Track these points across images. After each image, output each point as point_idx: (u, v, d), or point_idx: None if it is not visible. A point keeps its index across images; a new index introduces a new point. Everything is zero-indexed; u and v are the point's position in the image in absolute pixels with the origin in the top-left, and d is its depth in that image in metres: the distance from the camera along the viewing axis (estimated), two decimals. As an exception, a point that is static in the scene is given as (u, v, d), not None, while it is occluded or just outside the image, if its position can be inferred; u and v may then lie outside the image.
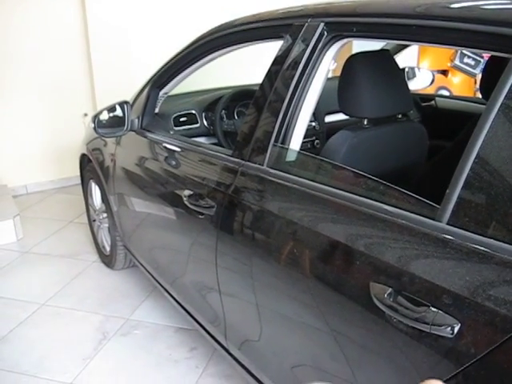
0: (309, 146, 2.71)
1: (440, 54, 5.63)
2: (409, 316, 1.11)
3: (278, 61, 1.72)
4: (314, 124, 2.77)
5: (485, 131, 1.09)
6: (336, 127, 1.96)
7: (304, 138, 1.69)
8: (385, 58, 1.84)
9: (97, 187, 3.21)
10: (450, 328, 1.04)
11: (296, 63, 1.64)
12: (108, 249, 3.26)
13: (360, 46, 3.34)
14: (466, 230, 1.08)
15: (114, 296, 3.04)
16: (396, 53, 2.76)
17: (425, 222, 1.15)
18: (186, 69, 2.32)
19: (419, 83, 3.18)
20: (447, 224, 1.11)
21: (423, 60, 5.57)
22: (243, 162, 1.72)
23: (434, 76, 3.28)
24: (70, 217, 4.21)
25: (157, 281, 2.60)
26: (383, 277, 1.19)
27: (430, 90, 4.26)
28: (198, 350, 2.52)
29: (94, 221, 3.39)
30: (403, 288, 1.14)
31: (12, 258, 3.57)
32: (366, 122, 1.72)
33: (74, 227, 4.04)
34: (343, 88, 1.70)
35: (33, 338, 2.67)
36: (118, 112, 2.50)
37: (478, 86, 5.13)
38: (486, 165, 1.09)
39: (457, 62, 5.47)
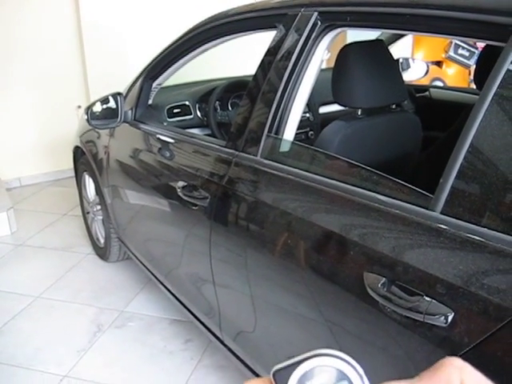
0: (303, 137, 2.71)
1: (434, 45, 5.62)
2: (402, 305, 1.12)
3: (272, 51, 1.72)
4: (308, 115, 2.76)
5: (478, 121, 1.08)
6: (330, 118, 1.96)
7: (298, 129, 1.69)
8: (379, 48, 1.84)
9: (90, 179, 3.20)
10: (443, 317, 1.04)
11: (289, 53, 1.64)
12: (102, 241, 3.25)
13: (354, 36, 3.33)
14: (460, 220, 1.08)
15: (109, 288, 3.04)
16: (390, 43, 2.75)
17: (418, 211, 1.15)
18: (179, 60, 2.30)
19: (413, 74, 3.17)
20: (441, 213, 1.11)
21: (417, 51, 5.56)
22: (237, 152, 1.72)
23: (428, 67, 3.27)
24: (64, 209, 4.20)
25: (151, 273, 2.60)
26: (377, 267, 1.19)
27: (425, 82, 4.26)
28: (192, 342, 2.53)
29: (88, 213, 3.38)
30: (397, 278, 1.14)
31: (6, 251, 3.55)
32: (359, 113, 1.72)
33: (67, 220, 4.03)
34: (337, 78, 1.69)
35: (27, 330, 2.67)
36: (111, 104, 2.48)
37: (472, 77, 5.13)
38: (479, 154, 1.09)
39: (451, 53, 5.46)
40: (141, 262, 2.71)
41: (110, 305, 2.87)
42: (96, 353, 2.49)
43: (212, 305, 1.99)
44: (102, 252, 3.31)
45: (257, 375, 1.82)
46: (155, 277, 2.56)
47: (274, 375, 0.28)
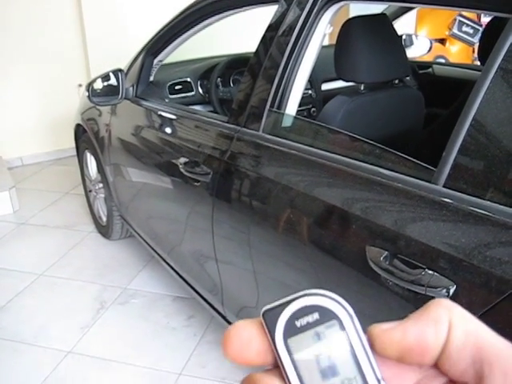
0: (305, 114, 2.69)
1: (438, 23, 5.56)
2: (404, 278, 1.12)
3: (273, 26, 1.70)
4: (310, 92, 2.74)
5: (482, 94, 1.07)
6: (333, 95, 1.95)
7: (300, 105, 1.68)
8: (382, 23, 1.82)
9: (92, 157, 3.19)
10: (445, 290, 1.05)
11: (291, 28, 1.62)
12: (104, 219, 3.26)
13: (357, 10, 3.29)
14: (462, 193, 1.08)
15: (111, 266, 3.05)
16: (393, 19, 2.72)
17: (421, 184, 1.15)
18: (180, 35, 2.28)
19: (416, 51, 3.14)
20: (443, 187, 1.11)
21: (421, 29, 5.50)
22: (239, 128, 1.71)
23: (431, 43, 3.24)
24: (66, 188, 4.20)
25: (154, 250, 2.61)
26: (379, 240, 1.19)
27: (428, 59, 4.22)
28: (195, 318, 2.54)
29: (90, 191, 3.38)
30: (399, 251, 1.14)
31: (9, 230, 3.56)
32: (362, 88, 1.71)
33: (70, 198, 4.03)
34: (340, 52, 1.68)
35: (31, 307, 2.69)
36: (112, 80, 2.47)
37: (476, 54, 5.08)
38: (482, 127, 1.08)
39: (455, 30, 5.40)
40: (143, 240, 2.72)
41: (112, 282, 2.88)
42: (99, 329, 2.51)
43: (214, 281, 1.99)
44: (104, 230, 3.32)
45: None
46: (158, 254, 2.57)
47: (263, 316, 0.28)
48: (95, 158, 3.10)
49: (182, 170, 1.95)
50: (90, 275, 2.96)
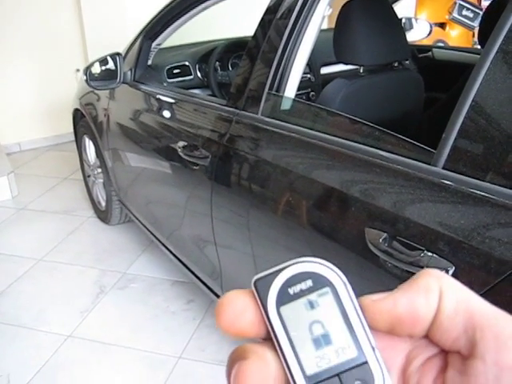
0: (304, 97, 2.67)
1: (438, 7, 5.52)
2: (403, 260, 1.12)
3: (272, 9, 1.68)
4: (309, 76, 2.73)
5: (481, 75, 1.07)
6: (332, 79, 1.93)
7: (299, 90, 1.67)
8: (382, 5, 1.80)
9: (91, 142, 3.18)
10: (444, 271, 1.05)
11: (290, 10, 1.60)
12: (103, 204, 3.26)
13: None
14: (462, 174, 1.07)
15: (111, 251, 3.06)
16: (393, 2, 2.70)
17: (421, 166, 1.15)
18: (178, 19, 2.26)
19: (416, 34, 3.12)
20: (443, 168, 1.11)
21: (420, 12, 5.46)
22: (237, 111, 1.70)
23: (431, 27, 3.22)
24: (65, 173, 4.19)
25: (153, 235, 2.61)
26: (378, 222, 1.19)
27: (428, 43, 4.19)
28: (195, 302, 2.55)
29: (89, 176, 3.38)
30: (398, 233, 1.14)
31: (7, 215, 3.56)
32: (361, 70, 1.70)
33: (68, 184, 4.03)
34: (339, 35, 1.66)
35: (31, 292, 2.69)
36: (110, 64, 2.45)
37: (476, 39, 5.05)
38: (482, 109, 1.08)
39: (455, 14, 5.35)
40: (142, 225, 2.72)
41: (112, 267, 2.89)
42: (99, 313, 2.52)
43: (214, 265, 2.00)
44: (103, 215, 3.31)
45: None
46: (157, 239, 2.57)
47: (255, 284, 0.27)
48: (94, 143, 3.09)
49: (180, 154, 1.94)
50: (90, 260, 2.96)
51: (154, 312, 2.50)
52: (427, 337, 0.27)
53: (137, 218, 2.79)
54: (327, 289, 0.27)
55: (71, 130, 3.50)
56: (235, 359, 0.26)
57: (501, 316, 0.26)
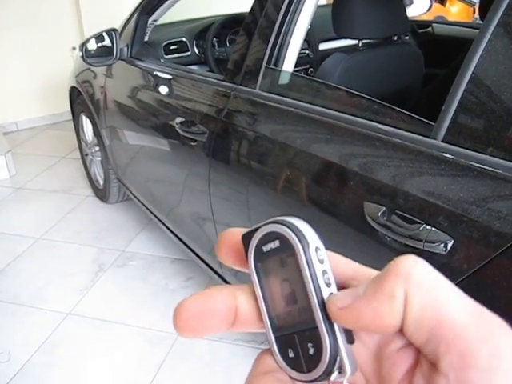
0: (303, 73, 2.65)
1: (438, -18, 5.45)
2: (402, 234, 1.11)
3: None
4: (307, 52, 2.69)
5: (482, 47, 1.05)
6: (330, 55, 1.91)
7: (298, 65, 1.65)
8: (381, -22, 1.78)
9: (88, 120, 3.16)
10: (443, 245, 1.04)
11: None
12: (101, 182, 3.24)
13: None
14: (462, 147, 1.06)
15: (109, 229, 3.05)
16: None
17: (420, 139, 1.14)
18: (175, -7, 2.23)
19: (416, 9, 3.09)
20: (442, 141, 1.10)
21: (420, -12, 5.40)
22: (235, 86, 1.68)
23: (431, 2, 3.18)
24: (62, 152, 4.17)
25: (151, 213, 2.60)
26: (377, 196, 1.18)
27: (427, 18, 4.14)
28: (193, 280, 2.56)
29: (87, 155, 3.36)
30: (397, 207, 1.13)
31: (5, 195, 3.55)
32: (360, 44, 1.68)
33: (66, 162, 4.01)
34: (337, 8, 1.64)
35: (30, 270, 2.70)
36: (107, 41, 2.42)
37: (476, 15, 4.99)
38: (482, 81, 1.06)
39: (455, -11, 5.29)
40: (141, 203, 2.71)
41: (110, 245, 2.89)
42: (98, 291, 2.52)
43: (212, 243, 2.00)
44: (101, 193, 3.31)
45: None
46: (156, 216, 2.56)
47: (242, 239, 0.29)
48: (91, 121, 3.07)
49: (178, 130, 1.93)
50: (88, 238, 2.96)
51: (153, 289, 2.51)
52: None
53: (135, 196, 2.78)
54: (292, 251, 0.27)
55: (68, 108, 3.48)
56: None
57: (472, 325, 0.23)
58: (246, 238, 0.29)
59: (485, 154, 1.02)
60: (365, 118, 1.26)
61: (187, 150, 1.97)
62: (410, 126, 1.18)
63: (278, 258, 0.28)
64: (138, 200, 2.74)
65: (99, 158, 3.14)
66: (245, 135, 1.62)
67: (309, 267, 0.27)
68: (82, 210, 3.30)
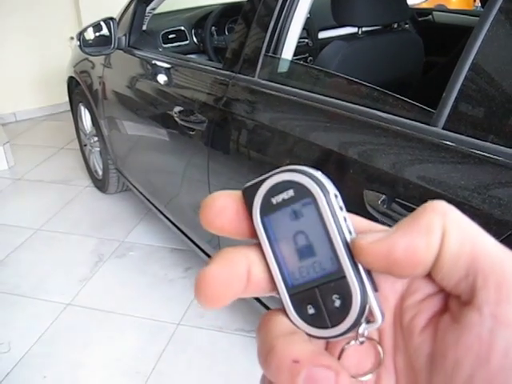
0: (302, 62, 2.63)
1: (438, -30, 5.41)
2: (402, 222, 1.10)
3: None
4: (307, 40, 2.68)
5: (483, 34, 1.04)
6: (330, 43, 1.90)
7: (297, 54, 1.64)
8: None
9: (86, 111, 3.14)
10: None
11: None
12: (100, 173, 3.23)
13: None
14: (462, 134, 1.05)
15: (108, 220, 3.05)
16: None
17: (420, 127, 1.13)
18: (172, -19, 2.21)
19: (416, -3, 3.06)
20: (443, 129, 1.09)
21: (421, -24, 5.36)
22: (234, 74, 1.67)
23: (431, -10, 3.16)
24: (61, 143, 4.16)
25: (151, 203, 2.59)
26: (377, 184, 1.17)
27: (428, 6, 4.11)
28: (192, 270, 2.55)
29: (85, 145, 3.35)
30: (397, 195, 1.12)
31: (4, 186, 3.55)
32: (360, 32, 1.66)
33: (65, 153, 4.00)
34: (337, -5, 1.62)
35: (30, 261, 2.69)
36: (104, 30, 2.40)
37: (477, 3, 4.96)
38: (483, 68, 1.05)
39: (456, -22, 5.26)
40: (140, 193, 2.70)
41: (110, 235, 2.88)
42: (98, 282, 2.52)
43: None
44: (100, 184, 3.30)
45: (257, 299, 1.84)
46: (155, 206, 2.56)
47: (243, 193, 0.27)
48: (89, 111, 3.06)
49: (176, 120, 1.91)
50: (87, 229, 2.96)
51: (152, 280, 2.51)
52: (429, 275, 0.25)
53: (134, 186, 2.77)
54: (309, 199, 0.25)
55: (67, 99, 3.46)
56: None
57: (509, 262, 0.23)
58: (250, 191, 0.27)
59: (485, 141, 1.01)
60: (364, 106, 1.25)
61: (186, 140, 1.96)
62: (411, 113, 1.17)
63: (290, 209, 0.26)
64: (137, 190, 2.73)
65: (98, 149, 3.13)
66: (244, 124, 1.61)
67: (332, 214, 0.25)
68: (81, 200, 3.30)
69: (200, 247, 2.19)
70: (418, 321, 0.25)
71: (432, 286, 0.25)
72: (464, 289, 0.23)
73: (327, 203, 0.25)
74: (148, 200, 2.62)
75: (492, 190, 1.00)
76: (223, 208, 0.27)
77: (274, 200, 0.26)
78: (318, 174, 0.26)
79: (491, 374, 0.22)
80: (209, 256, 2.12)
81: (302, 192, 0.26)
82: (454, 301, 0.24)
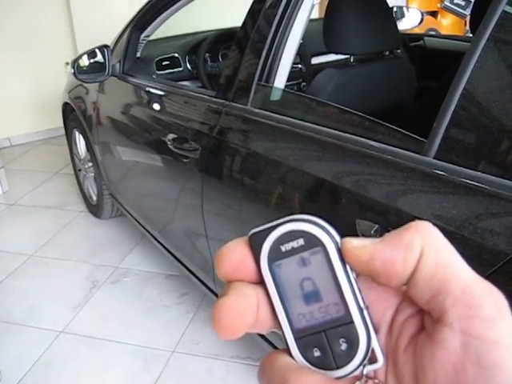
0: (295, 88, 2.65)
1: (429, -5, 5.50)
2: (395, 252, 1.10)
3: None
4: (300, 66, 2.70)
5: (472, 64, 1.05)
6: (323, 69, 1.92)
7: (290, 80, 1.65)
8: (372, -7, 1.78)
9: (81, 136, 3.15)
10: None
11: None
12: (95, 198, 3.23)
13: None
14: (454, 164, 1.06)
15: (103, 245, 3.03)
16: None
17: (412, 156, 1.13)
18: (167, 9, 2.24)
19: (408, 23, 3.10)
20: (434, 158, 1.09)
21: (412, 1, 5.44)
22: (227, 102, 1.68)
23: (423, 15, 3.20)
24: (56, 168, 4.16)
25: (145, 228, 2.59)
26: (369, 213, 1.17)
27: (419, 31, 4.17)
28: (188, 296, 2.54)
29: (80, 170, 3.35)
30: (390, 224, 1.12)
31: (-2, 211, 3.54)
32: (352, 60, 1.68)
33: (60, 178, 4.00)
34: (329, 23, 1.64)
35: (22, 288, 2.67)
36: (99, 57, 2.42)
37: (467, 27, 5.02)
38: (473, 97, 1.06)
39: (447, 2, 5.34)
40: (134, 218, 2.70)
41: (104, 261, 2.87)
42: (92, 308, 2.50)
43: (206, 259, 1.98)
44: (94, 209, 3.29)
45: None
46: (149, 232, 2.55)
47: (250, 239, 0.28)
48: (84, 137, 3.06)
49: (170, 147, 1.92)
50: (82, 255, 2.94)
51: (147, 306, 2.49)
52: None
53: (128, 212, 2.77)
54: (318, 248, 0.27)
55: (61, 123, 3.47)
56: (219, 297, 0.28)
57: (477, 284, 0.25)
58: (258, 238, 0.28)
59: (476, 170, 1.02)
60: (357, 135, 1.26)
61: (180, 167, 1.97)
62: (402, 142, 1.18)
63: (299, 256, 0.27)
64: (131, 216, 2.73)
65: (92, 174, 3.13)
66: (237, 152, 1.61)
67: (341, 262, 0.27)
68: (76, 226, 3.28)
69: (194, 274, 2.18)
70: (401, 341, 0.27)
71: (413, 307, 0.27)
72: (435, 306, 0.25)
73: (337, 252, 0.27)
74: (142, 226, 2.61)
75: (484, 220, 1.00)
76: (243, 258, 0.28)
77: (284, 248, 0.27)
78: (325, 224, 0.27)
79: (469, 383, 0.24)
80: (203, 283, 2.11)
81: (312, 241, 0.27)
82: (428, 319, 0.26)
